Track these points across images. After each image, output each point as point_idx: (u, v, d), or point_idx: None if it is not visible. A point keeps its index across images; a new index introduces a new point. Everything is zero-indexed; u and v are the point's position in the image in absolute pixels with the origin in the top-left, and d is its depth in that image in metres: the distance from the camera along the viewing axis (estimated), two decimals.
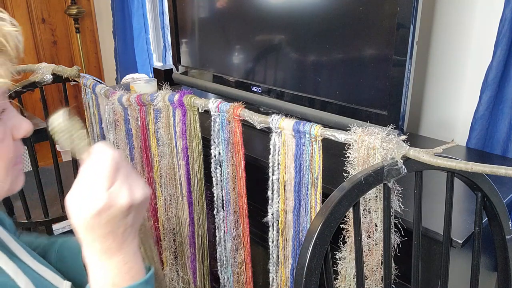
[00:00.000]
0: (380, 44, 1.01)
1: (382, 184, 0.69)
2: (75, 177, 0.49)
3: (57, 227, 2.33)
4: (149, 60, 2.49)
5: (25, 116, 0.62)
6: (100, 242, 0.50)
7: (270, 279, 0.98)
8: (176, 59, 1.69)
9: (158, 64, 2.55)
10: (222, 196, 1.02)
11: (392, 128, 0.77)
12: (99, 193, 0.48)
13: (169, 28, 1.99)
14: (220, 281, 1.12)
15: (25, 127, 0.57)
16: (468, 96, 1.21)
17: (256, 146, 1.15)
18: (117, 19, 2.54)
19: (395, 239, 0.75)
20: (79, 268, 0.75)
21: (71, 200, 0.49)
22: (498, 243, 0.79)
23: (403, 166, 0.68)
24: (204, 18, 1.56)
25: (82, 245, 0.51)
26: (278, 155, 0.86)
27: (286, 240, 0.91)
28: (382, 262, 0.74)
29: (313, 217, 0.82)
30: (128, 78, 1.98)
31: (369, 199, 0.74)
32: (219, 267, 1.11)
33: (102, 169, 0.48)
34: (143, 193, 0.51)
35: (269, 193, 0.91)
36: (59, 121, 0.50)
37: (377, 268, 0.77)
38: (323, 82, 1.17)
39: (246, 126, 0.92)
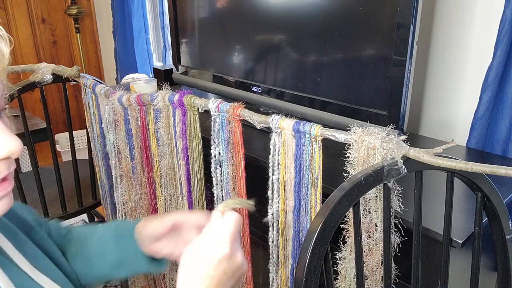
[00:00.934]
0: (380, 44, 1.01)
1: (382, 184, 0.69)
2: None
3: None
4: (149, 60, 2.49)
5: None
6: None
7: (270, 279, 0.98)
8: (176, 59, 1.70)
9: (158, 64, 2.55)
10: (222, 196, 1.02)
11: (392, 128, 0.77)
12: (223, 244, 0.56)
13: (169, 28, 1.99)
14: None
15: (7, 147, 0.49)
16: (468, 96, 1.21)
17: (256, 146, 1.15)
18: (117, 19, 2.54)
19: (395, 239, 0.75)
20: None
21: (194, 249, 0.56)
22: (498, 243, 0.79)
23: (403, 166, 0.68)
24: (204, 18, 1.56)
25: None
26: (278, 155, 0.86)
27: (286, 240, 0.91)
28: (382, 262, 0.74)
29: (313, 217, 0.82)
30: (128, 78, 1.98)
31: (369, 199, 0.74)
32: None
33: (228, 228, 0.57)
34: (245, 264, 0.59)
35: (269, 193, 0.91)
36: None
37: (377, 268, 0.77)
38: (323, 82, 1.17)
39: (246, 126, 0.92)
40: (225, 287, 0.56)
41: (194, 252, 0.57)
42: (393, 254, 0.74)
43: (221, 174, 0.99)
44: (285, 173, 0.85)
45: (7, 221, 0.64)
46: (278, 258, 0.94)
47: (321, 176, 0.80)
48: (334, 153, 0.82)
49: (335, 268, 0.79)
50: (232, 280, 0.57)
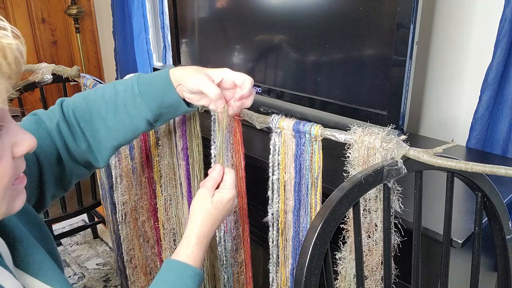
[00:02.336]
0: (380, 44, 1.01)
1: (382, 184, 0.69)
2: None
3: (57, 227, 2.34)
4: (149, 60, 2.49)
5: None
6: (208, 227, 0.73)
7: (270, 279, 0.98)
8: (176, 59, 1.70)
9: (158, 64, 2.55)
10: None
11: (392, 128, 0.77)
12: (232, 189, 0.76)
13: (169, 28, 1.99)
14: (220, 281, 1.12)
15: (27, 143, 0.53)
16: (468, 96, 1.21)
17: (256, 146, 1.15)
18: (117, 19, 2.54)
19: (395, 239, 0.75)
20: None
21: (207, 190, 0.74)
22: (498, 243, 0.79)
23: (403, 166, 0.68)
24: (204, 18, 1.56)
25: (191, 226, 0.73)
26: (278, 155, 0.86)
27: (286, 240, 0.91)
28: (382, 262, 0.74)
29: (313, 217, 0.82)
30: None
31: (369, 199, 0.74)
32: (219, 267, 1.11)
33: (232, 179, 0.77)
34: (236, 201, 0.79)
35: (269, 193, 0.91)
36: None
37: (377, 268, 0.77)
38: (323, 82, 1.17)
39: (246, 126, 0.92)
40: (220, 223, 0.75)
41: (206, 194, 0.75)
42: (393, 254, 0.74)
43: None
44: (285, 173, 0.85)
45: (18, 222, 0.64)
46: (278, 258, 0.94)
47: (321, 176, 0.80)
48: (334, 153, 0.82)
49: (335, 268, 0.79)
50: (223, 216, 0.75)
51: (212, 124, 0.96)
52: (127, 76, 0.92)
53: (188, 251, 0.71)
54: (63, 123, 0.79)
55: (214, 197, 0.74)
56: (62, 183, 0.81)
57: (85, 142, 0.80)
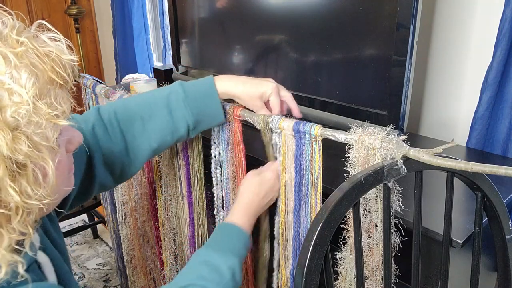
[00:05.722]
0: (380, 44, 1.01)
1: (382, 184, 0.69)
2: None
3: None
4: (149, 60, 2.49)
5: None
6: (256, 208, 0.85)
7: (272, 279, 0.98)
8: (176, 59, 1.70)
9: (158, 64, 2.55)
10: (222, 196, 1.02)
11: (392, 128, 0.77)
12: (269, 171, 0.87)
13: (169, 28, 1.99)
14: None
15: (77, 139, 0.58)
16: (468, 96, 1.21)
17: (256, 146, 1.15)
18: (117, 19, 2.54)
19: (395, 239, 0.75)
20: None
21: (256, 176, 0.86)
22: (498, 243, 0.79)
23: (403, 166, 0.68)
24: (204, 18, 1.56)
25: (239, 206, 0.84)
26: (279, 155, 0.86)
27: (287, 241, 0.91)
28: (382, 262, 0.74)
29: (313, 218, 0.82)
30: (128, 78, 1.97)
31: (369, 199, 0.74)
32: None
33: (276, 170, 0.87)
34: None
35: None
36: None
37: (377, 268, 0.77)
38: (323, 82, 1.17)
39: (246, 126, 0.92)
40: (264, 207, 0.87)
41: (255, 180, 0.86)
42: (393, 254, 0.74)
43: (221, 174, 0.99)
44: (285, 173, 0.85)
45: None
46: (279, 258, 0.94)
47: (321, 176, 0.80)
48: (334, 153, 0.82)
49: (335, 268, 0.79)
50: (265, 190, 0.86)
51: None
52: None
53: (237, 215, 0.82)
54: (99, 126, 0.80)
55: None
56: (84, 190, 0.81)
57: (123, 142, 0.82)
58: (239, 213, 0.82)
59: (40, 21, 0.55)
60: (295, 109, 0.88)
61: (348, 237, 0.77)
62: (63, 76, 0.51)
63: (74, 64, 0.54)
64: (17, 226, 0.48)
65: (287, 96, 0.87)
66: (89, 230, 2.35)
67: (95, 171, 0.80)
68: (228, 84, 0.84)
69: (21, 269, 0.50)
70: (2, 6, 0.54)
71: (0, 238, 0.48)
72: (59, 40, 0.54)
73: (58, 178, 0.53)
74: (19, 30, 0.50)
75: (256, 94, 0.84)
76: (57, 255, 0.64)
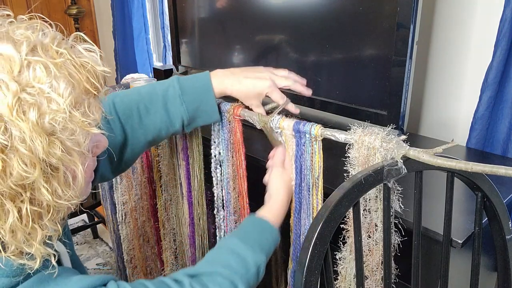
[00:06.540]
0: (380, 44, 1.01)
1: (382, 184, 0.69)
2: None
3: None
4: (149, 60, 2.49)
5: None
6: (286, 208, 0.84)
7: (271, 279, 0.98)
8: (176, 59, 1.70)
9: (158, 64, 2.54)
10: (222, 196, 1.02)
11: (392, 128, 0.77)
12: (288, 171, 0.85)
13: (169, 28, 1.99)
14: None
15: (103, 144, 0.62)
16: (468, 96, 1.21)
17: (256, 146, 1.15)
18: (117, 19, 2.54)
19: (395, 239, 0.75)
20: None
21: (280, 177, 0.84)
22: (498, 243, 0.79)
23: (403, 166, 0.68)
24: (204, 18, 1.56)
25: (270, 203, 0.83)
26: (282, 139, 0.86)
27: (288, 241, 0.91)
28: (382, 262, 0.74)
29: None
30: (128, 78, 1.97)
31: (369, 199, 0.74)
32: None
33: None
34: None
35: None
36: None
37: (377, 268, 0.77)
38: (323, 82, 1.17)
39: (246, 126, 0.92)
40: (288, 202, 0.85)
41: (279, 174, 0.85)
42: (393, 254, 0.74)
43: (221, 174, 0.99)
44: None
45: None
46: (279, 258, 0.94)
47: (321, 176, 0.80)
48: (334, 153, 0.82)
49: (335, 268, 0.79)
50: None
51: (212, 124, 0.96)
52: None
53: (272, 212, 0.82)
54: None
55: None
56: None
57: (123, 133, 0.83)
58: (275, 212, 0.81)
59: (77, 33, 0.59)
60: (303, 91, 0.89)
61: (348, 237, 0.77)
62: (96, 86, 0.55)
63: (106, 75, 0.57)
64: (48, 223, 0.53)
65: (288, 84, 0.87)
66: (89, 230, 2.35)
67: (98, 162, 0.81)
68: (224, 83, 0.84)
69: (53, 260, 0.55)
70: (3, 6, 0.56)
71: (34, 233, 0.52)
72: (93, 51, 0.57)
73: (85, 180, 0.57)
74: (59, 41, 0.54)
75: (252, 93, 0.84)
76: (69, 242, 0.68)
